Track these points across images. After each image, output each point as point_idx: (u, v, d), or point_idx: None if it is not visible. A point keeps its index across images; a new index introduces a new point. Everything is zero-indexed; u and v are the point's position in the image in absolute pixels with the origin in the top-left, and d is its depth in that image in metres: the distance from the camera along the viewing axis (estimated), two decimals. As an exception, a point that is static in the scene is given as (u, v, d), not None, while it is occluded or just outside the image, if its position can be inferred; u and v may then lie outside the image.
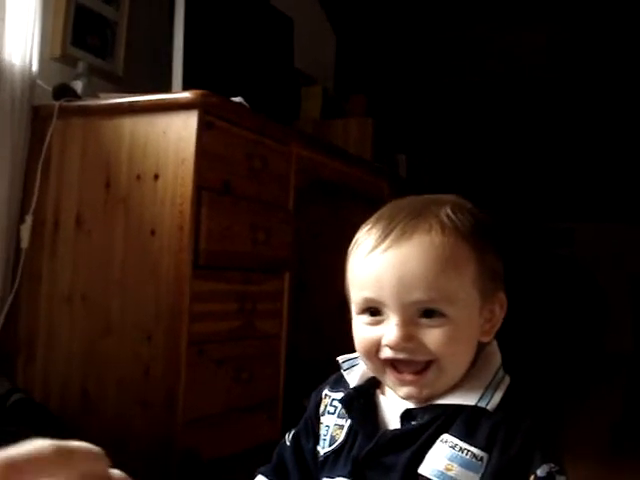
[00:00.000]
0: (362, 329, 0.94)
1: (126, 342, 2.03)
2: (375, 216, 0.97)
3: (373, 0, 4.77)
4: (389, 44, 5.21)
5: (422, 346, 0.89)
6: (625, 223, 5.70)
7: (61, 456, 0.51)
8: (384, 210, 0.98)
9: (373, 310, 0.92)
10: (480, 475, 0.87)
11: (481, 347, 0.98)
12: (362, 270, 0.93)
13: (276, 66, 3.02)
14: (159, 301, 1.99)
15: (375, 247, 0.91)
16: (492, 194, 5.76)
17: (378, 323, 0.92)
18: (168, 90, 2.35)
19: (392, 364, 0.92)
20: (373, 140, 3.64)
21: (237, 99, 2.21)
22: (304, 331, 2.82)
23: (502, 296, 0.98)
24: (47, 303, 2.18)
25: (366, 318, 0.93)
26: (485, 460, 0.87)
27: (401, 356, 0.90)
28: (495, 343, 1.00)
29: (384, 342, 0.90)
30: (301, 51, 3.61)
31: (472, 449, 0.88)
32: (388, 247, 0.90)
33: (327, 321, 2.92)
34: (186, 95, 2.02)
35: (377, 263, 0.91)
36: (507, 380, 0.95)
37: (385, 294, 0.90)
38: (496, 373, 0.96)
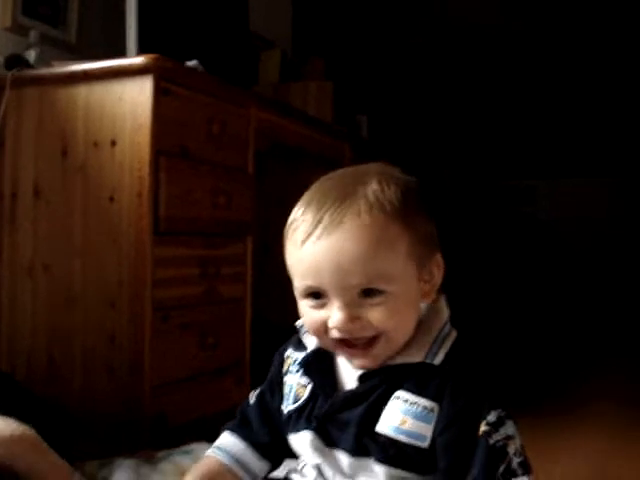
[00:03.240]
0: (308, 313, 0.97)
1: (90, 310, 2.03)
2: (306, 197, 0.99)
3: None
4: (345, 5, 5.19)
5: (367, 324, 0.93)
6: (587, 178, 5.74)
7: None
8: (313, 191, 0.99)
9: (315, 294, 0.95)
10: (433, 425, 0.92)
11: (429, 304, 1.02)
12: (299, 259, 0.95)
13: (232, 29, 2.99)
14: (121, 268, 1.99)
15: (309, 235, 0.93)
16: (453, 153, 5.79)
17: (322, 306, 0.95)
18: (123, 56, 2.32)
19: (342, 341, 0.95)
20: (333, 102, 3.63)
21: (192, 63, 2.19)
22: (269, 294, 2.84)
23: (438, 257, 1.01)
24: (9, 275, 2.17)
25: (310, 302, 0.96)
26: (436, 410, 0.92)
27: (348, 336, 0.94)
28: (443, 299, 1.04)
29: (330, 325, 0.94)
30: (258, 15, 3.59)
31: (423, 401, 0.93)
32: (321, 235, 0.92)
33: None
34: (140, 60, 2.00)
35: (313, 252, 0.93)
36: (453, 335, 1.00)
37: (325, 281, 0.93)
38: (442, 328, 1.00)
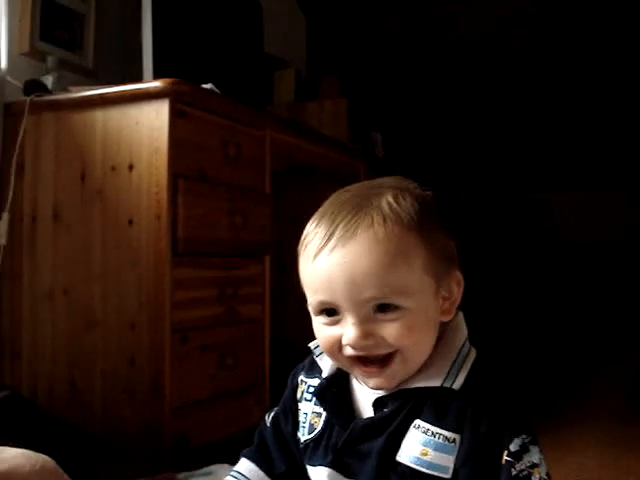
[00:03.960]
0: (322, 330, 0.94)
1: (110, 333, 2.04)
2: (319, 211, 0.97)
3: (341, -19, 4.78)
4: (359, 24, 5.21)
5: (382, 340, 0.90)
6: (603, 191, 5.72)
7: None
8: (327, 205, 0.97)
9: (329, 310, 0.92)
10: (455, 456, 0.89)
11: (446, 323, 0.98)
12: (312, 273, 0.93)
13: (247, 51, 3.01)
14: (140, 291, 2.00)
15: (321, 248, 0.91)
16: (469, 167, 5.79)
17: (336, 323, 0.92)
18: (139, 80, 2.34)
19: (357, 358, 0.92)
20: (348, 120, 3.65)
21: (207, 86, 2.21)
22: (287, 314, 2.84)
23: (457, 273, 0.97)
24: (29, 299, 2.18)
25: (323, 319, 0.93)
26: (458, 441, 0.89)
27: (363, 353, 0.91)
28: (461, 316, 1.01)
29: (344, 342, 0.91)
30: (272, 35, 3.61)
31: (444, 432, 0.90)
32: (334, 247, 0.90)
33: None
34: (156, 84, 2.02)
35: (325, 265, 0.90)
36: (473, 355, 0.97)
37: (338, 296, 0.90)
38: (461, 349, 0.96)
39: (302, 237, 0.97)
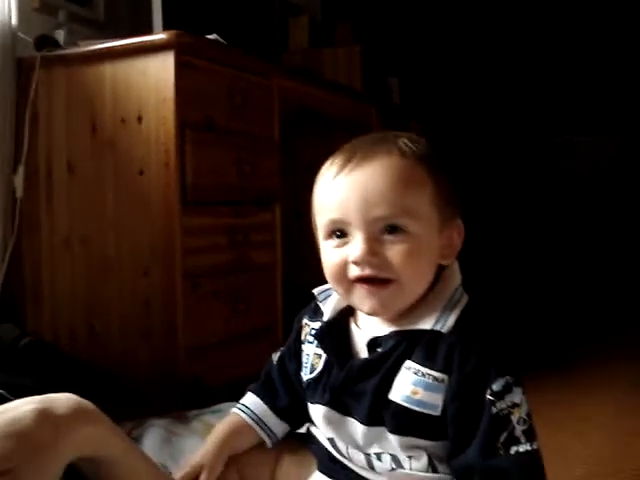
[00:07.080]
0: (330, 253, 0.99)
1: (125, 278, 2.12)
2: (337, 151, 1.02)
3: None
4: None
5: (386, 262, 0.94)
6: (625, 135, 5.64)
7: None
8: (345, 145, 1.03)
9: (339, 233, 0.97)
10: (443, 395, 0.93)
11: (441, 270, 1.03)
12: (328, 194, 0.98)
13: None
14: (153, 238, 2.07)
15: (339, 172, 0.97)
16: (491, 111, 5.76)
17: (344, 244, 0.97)
18: (150, 32, 2.38)
19: (358, 281, 0.96)
20: (363, 66, 3.65)
21: (212, 36, 2.24)
22: (303, 261, 2.89)
23: (459, 223, 1.03)
24: (47, 248, 2.27)
25: (333, 241, 0.98)
26: (446, 381, 0.93)
27: (367, 272, 0.94)
28: (455, 265, 1.05)
29: (350, 259, 0.95)
30: (285, -18, 3.62)
31: (433, 372, 0.94)
32: (352, 170, 0.96)
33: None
34: (161, 36, 2.06)
35: (342, 185, 0.96)
36: (464, 300, 1.00)
37: (350, 213, 0.95)
38: (453, 294, 1.00)
39: (320, 172, 1.03)
